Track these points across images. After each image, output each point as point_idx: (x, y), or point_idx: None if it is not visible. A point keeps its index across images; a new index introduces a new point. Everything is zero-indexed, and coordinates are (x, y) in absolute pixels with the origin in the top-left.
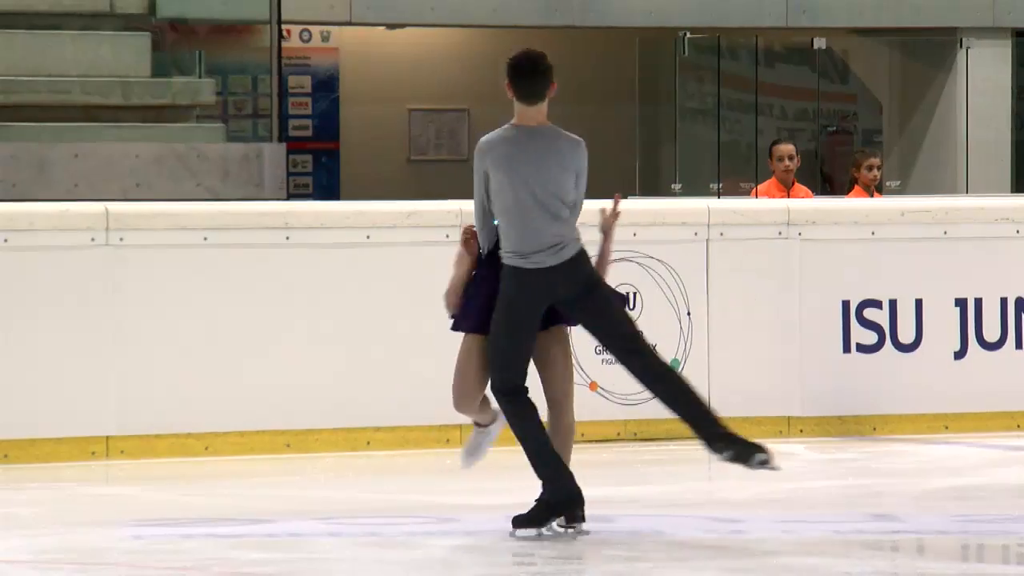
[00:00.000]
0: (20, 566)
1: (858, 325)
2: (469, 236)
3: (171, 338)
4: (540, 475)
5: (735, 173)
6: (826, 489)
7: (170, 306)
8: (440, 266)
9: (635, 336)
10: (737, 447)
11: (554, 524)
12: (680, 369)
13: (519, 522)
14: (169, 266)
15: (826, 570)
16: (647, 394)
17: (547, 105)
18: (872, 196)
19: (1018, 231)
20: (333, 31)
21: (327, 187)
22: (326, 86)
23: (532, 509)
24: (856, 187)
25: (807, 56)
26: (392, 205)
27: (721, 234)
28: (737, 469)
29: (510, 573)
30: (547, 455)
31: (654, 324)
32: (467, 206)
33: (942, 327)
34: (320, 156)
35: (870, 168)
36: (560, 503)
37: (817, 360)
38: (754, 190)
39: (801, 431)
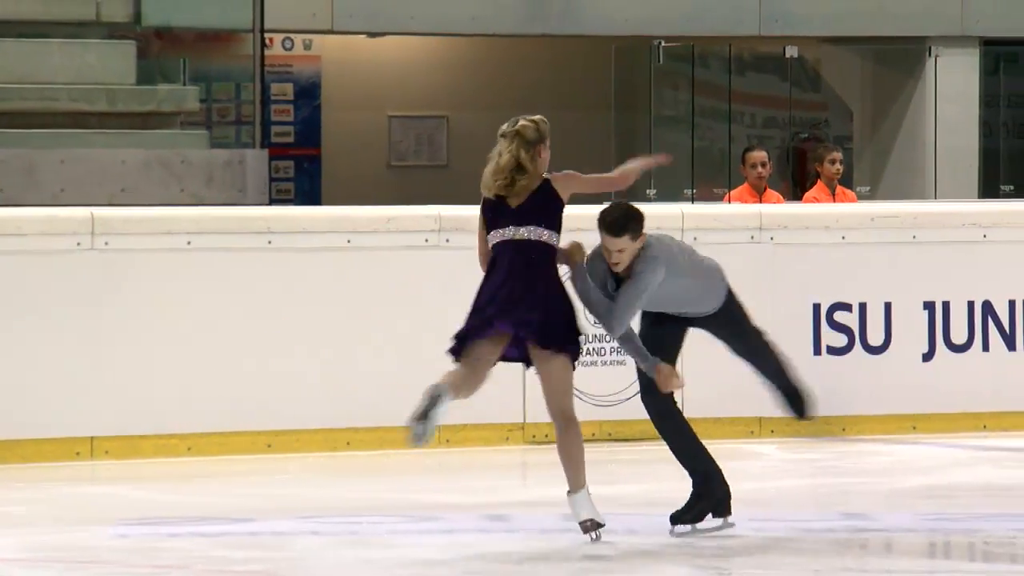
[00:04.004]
0: (7, 564)
1: (828, 328)
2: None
3: (155, 340)
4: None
5: (709, 179)
6: (796, 488)
7: (154, 309)
8: (420, 269)
9: None
10: None
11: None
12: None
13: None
14: (153, 270)
15: (796, 568)
16: (623, 395)
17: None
18: (835, 190)
19: (985, 236)
20: (315, 39)
21: (309, 192)
22: (308, 93)
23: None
24: (819, 182)
25: (779, 64)
26: (372, 210)
27: (695, 238)
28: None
29: (490, 571)
30: None
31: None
32: (445, 211)
33: (910, 330)
34: (302, 162)
35: (832, 162)
36: None
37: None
38: (727, 196)
39: (772, 431)
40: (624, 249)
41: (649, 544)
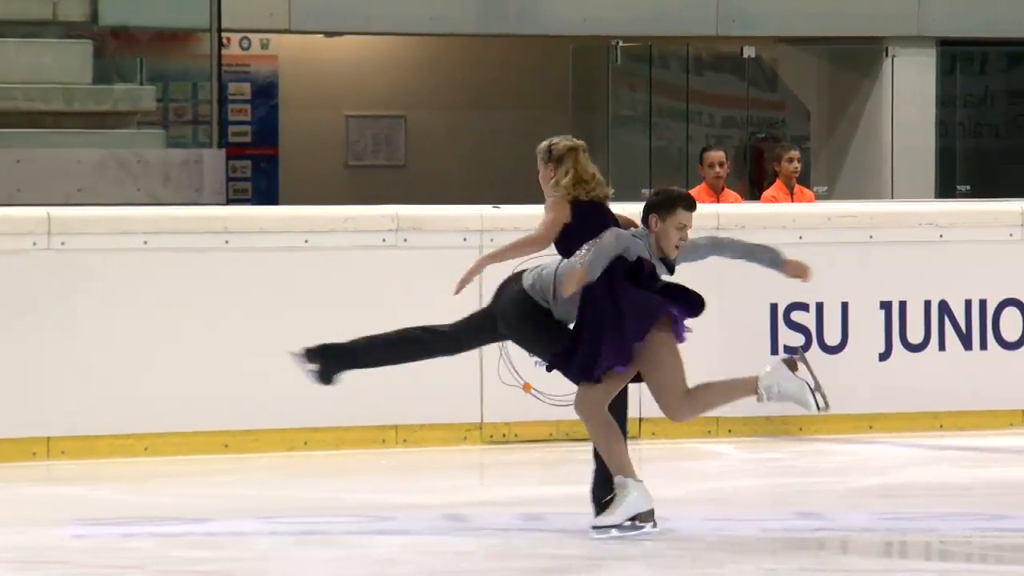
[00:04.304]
0: None
1: (785, 327)
2: None
3: (111, 340)
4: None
5: (666, 179)
6: (754, 488)
7: (110, 309)
8: (377, 269)
9: None
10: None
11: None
12: None
13: None
14: (110, 270)
15: (752, 566)
16: None
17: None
18: (792, 188)
19: (941, 236)
20: (272, 39)
21: (266, 192)
22: (265, 93)
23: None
24: (777, 180)
25: (737, 64)
26: (330, 210)
27: None
28: (667, 467)
29: (445, 570)
30: None
31: None
32: (403, 211)
33: (867, 329)
34: (259, 161)
35: (790, 160)
36: None
37: (745, 361)
38: None
39: (730, 431)
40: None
41: (606, 544)
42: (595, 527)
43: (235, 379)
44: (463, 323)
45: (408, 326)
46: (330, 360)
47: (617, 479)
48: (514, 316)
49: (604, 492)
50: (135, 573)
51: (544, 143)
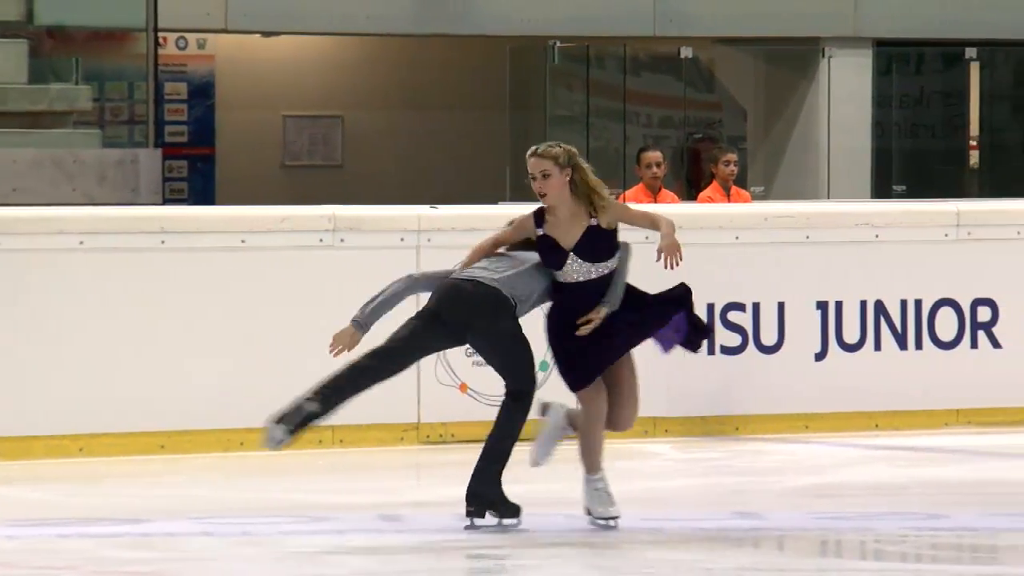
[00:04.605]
0: None
1: (722, 327)
2: None
3: (47, 340)
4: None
5: (604, 179)
6: (690, 487)
7: (46, 309)
8: (314, 269)
9: None
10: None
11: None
12: (548, 372)
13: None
14: (45, 270)
15: (689, 566)
16: None
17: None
18: (729, 189)
19: (877, 236)
20: (209, 38)
21: (202, 192)
22: (202, 92)
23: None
24: (714, 181)
25: (674, 65)
26: (266, 210)
27: None
28: (605, 467)
29: (379, 570)
30: None
31: (524, 326)
32: (340, 211)
33: (803, 329)
34: (196, 161)
35: (727, 163)
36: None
37: (682, 361)
38: (622, 196)
39: (666, 431)
40: None
41: (544, 543)
42: (607, 518)
43: (171, 380)
44: (404, 335)
45: (353, 360)
46: (310, 415)
47: (600, 474)
48: (492, 313)
49: (490, 490)
50: (69, 574)
51: (557, 148)
